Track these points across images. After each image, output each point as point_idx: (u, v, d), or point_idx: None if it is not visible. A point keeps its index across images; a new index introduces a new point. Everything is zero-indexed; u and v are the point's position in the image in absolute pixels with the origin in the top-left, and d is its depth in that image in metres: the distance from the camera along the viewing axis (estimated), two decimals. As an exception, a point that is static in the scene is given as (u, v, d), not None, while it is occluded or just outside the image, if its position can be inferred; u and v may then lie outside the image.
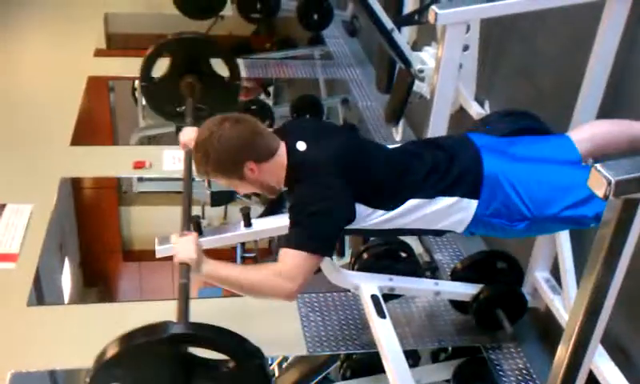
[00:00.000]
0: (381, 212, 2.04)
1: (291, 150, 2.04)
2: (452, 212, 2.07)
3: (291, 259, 1.93)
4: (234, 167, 1.99)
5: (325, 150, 2.03)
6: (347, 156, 2.04)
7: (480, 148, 2.12)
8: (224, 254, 3.86)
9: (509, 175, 2.03)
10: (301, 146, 2.04)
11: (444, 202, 2.05)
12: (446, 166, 2.07)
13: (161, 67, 3.05)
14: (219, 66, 2.96)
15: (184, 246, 1.89)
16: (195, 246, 1.88)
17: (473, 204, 2.05)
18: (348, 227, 2.05)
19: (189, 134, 2.29)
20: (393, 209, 2.04)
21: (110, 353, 1.63)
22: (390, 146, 2.31)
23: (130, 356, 1.65)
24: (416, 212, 2.06)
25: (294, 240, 1.95)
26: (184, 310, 1.75)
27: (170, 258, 2.68)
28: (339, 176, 1.98)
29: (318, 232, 1.95)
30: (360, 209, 2.01)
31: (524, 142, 2.20)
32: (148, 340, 1.63)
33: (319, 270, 2.66)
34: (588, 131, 2.21)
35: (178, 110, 2.70)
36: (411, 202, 2.04)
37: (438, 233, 2.23)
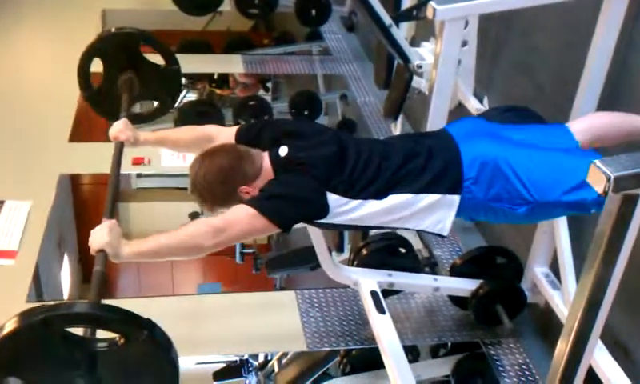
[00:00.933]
0: (360, 204, 2.01)
1: (275, 158, 2.06)
2: (435, 209, 2.05)
3: (235, 211, 1.93)
4: (229, 197, 2.03)
5: (305, 152, 2.04)
6: (327, 156, 2.03)
7: (469, 136, 2.12)
8: (221, 251, 3.85)
9: (509, 159, 2.02)
10: (283, 151, 2.07)
11: (427, 199, 2.03)
12: (424, 160, 2.05)
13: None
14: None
15: (97, 234, 1.81)
16: (108, 231, 1.81)
17: (455, 200, 2.04)
18: (333, 222, 2.04)
19: (117, 126, 2.31)
20: (374, 199, 2.02)
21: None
22: (368, 139, 2.30)
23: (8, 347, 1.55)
24: (399, 210, 2.04)
25: (247, 201, 1.95)
26: (96, 298, 1.67)
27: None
28: (314, 178, 1.99)
29: (275, 203, 1.94)
30: (337, 200, 1.99)
31: (523, 129, 2.20)
32: (21, 325, 1.51)
33: (318, 266, 2.68)
34: (586, 122, 2.21)
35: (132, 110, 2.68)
36: (393, 199, 2.03)
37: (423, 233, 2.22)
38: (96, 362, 1.61)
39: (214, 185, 2.02)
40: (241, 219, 1.91)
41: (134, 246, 1.85)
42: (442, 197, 2.03)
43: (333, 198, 1.98)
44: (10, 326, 1.51)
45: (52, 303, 1.60)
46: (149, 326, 1.57)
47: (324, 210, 1.99)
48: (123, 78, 2.52)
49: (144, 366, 1.64)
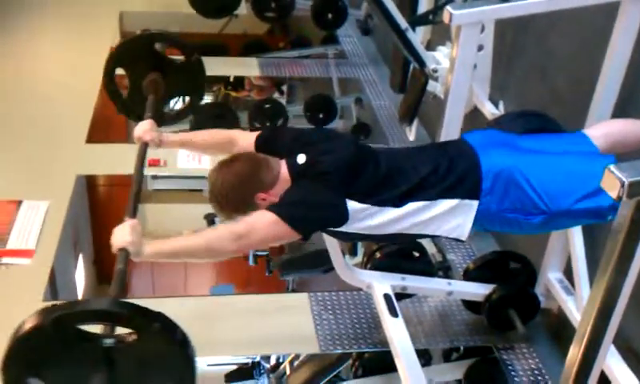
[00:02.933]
0: (379, 211, 2.02)
1: (293, 166, 2.07)
2: (454, 215, 2.05)
3: (256, 216, 1.93)
4: (247, 204, 2.03)
5: (324, 158, 2.05)
6: (347, 163, 2.04)
7: (484, 146, 2.12)
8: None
9: (522, 168, 2.02)
10: (301, 158, 2.07)
11: (445, 204, 2.03)
12: (445, 168, 2.06)
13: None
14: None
15: (119, 233, 1.82)
16: (130, 229, 1.81)
17: (474, 204, 2.04)
18: (350, 231, 2.04)
19: (142, 126, 2.31)
20: (392, 206, 2.02)
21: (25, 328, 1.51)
22: (387, 148, 2.31)
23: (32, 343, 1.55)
24: (417, 215, 2.04)
25: (269, 207, 1.96)
26: (117, 295, 1.68)
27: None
28: (334, 185, 1.99)
29: (296, 209, 1.95)
30: (357, 207, 2.00)
31: (536, 137, 2.19)
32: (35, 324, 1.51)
33: (331, 269, 2.68)
34: (602, 129, 2.20)
35: (165, 111, 2.71)
36: (412, 205, 2.03)
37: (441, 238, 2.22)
38: (112, 358, 1.61)
39: (232, 192, 2.02)
40: (262, 225, 1.91)
41: (154, 246, 1.86)
42: (460, 201, 2.03)
43: (351, 205, 1.99)
44: (24, 327, 1.51)
45: (63, 302, 1.60)
46: (159, 318, 1.57)
47: (343, 216, 1.99)
48: (147, 80, 2.55)
49: (160, 360, 1.64)
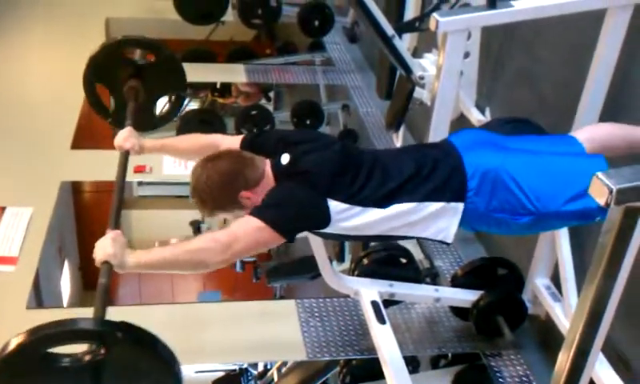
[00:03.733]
0: (362, 211, 2.01)
1: (277, 165, 2.07)
2: (439, 217, 2.05)
3: (239, 224, 1.92)
4: (230, 202, 2.03)
5: (307, 157, 2.05)
6: (329, 163, 2.03)
7: (470, 146, 2.12)
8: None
9: (509, 169, 2.02)
10: (285, 158, 2.07)
11: (430, 207, 2.03)
12: (429, 170, 2.06)
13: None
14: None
15: (101, 246, 1.79)
16: (111, 242, 1.78)
17: (459, 207, 2.04)
18: (336, 232, 2.04)
19: (122, 135, 2.31)
20: (376, 207, 2.01)
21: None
22: (373, 150, 2.31)
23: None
24: (402, 217, 2.04)
25: (251, 211, 1.94)
26: (100, 309, 1.65)
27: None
28: (315, 185, 1.98)
29: (278, 212, 1.94)
30: (340, 207, 1.99)
31: (523, 138, 2.20)
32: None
33: (319, 275, 2.67)
34: (588, 132, 2.20)
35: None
36: (397, 207, 2.02)
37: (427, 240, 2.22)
38: (93, 375, 1.59)
39: (216, 189, 2.01)
40: (246, 232, 1.89)
41: (138, 258, 1.83)
42: (445, 204, 2.03)
43: (334, 205, 1.98)
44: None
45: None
46: (121, 327, 1.55)
47: (326, 217, 1.98)
48: (126, 88, 2.54)
49: (136, 366, 1.62)
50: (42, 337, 1.52)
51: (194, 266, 1.90)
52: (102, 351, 1.56)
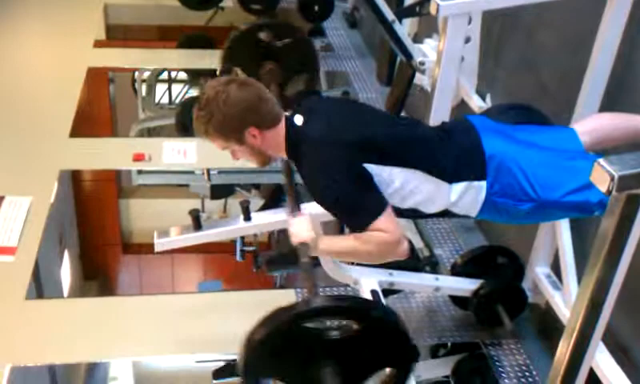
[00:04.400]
0: (392, 171, 2.02)
1: (289, 123, 2.05)
2: (464, 195, 2.08)
3: (380, 227, 1.95)
4: (236, 131, 1.99)
5: (322, 125, 2.03)
6: (349, 128, 2.03)
7: (482, 129, 2.13)
8: (222, 249, 3.86)
9: (515, 156, 2.03)
10: (298, 119, 2.05)
11: (457, 187, 2.05)
12: (450, 147, 2.09)
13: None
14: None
15: (301, 226, 1.97)
16: (312, 225, 1.95)
17: (482, 185, 2.05)
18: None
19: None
20: (404, 166, 2.02)
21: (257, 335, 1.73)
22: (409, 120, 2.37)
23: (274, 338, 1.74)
24: (428, 193, 2.07)
25: (365, 217, 1.97)
26: (313, 286, 1.90)
27: (169, 252, 2.68)
28: (339, 148, 1.97)
29: (367, 195, 1.97)
30: (377, 170, 2.00)
31: (528, 129, 2.20)
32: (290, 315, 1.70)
33: (318, 264, 2.66)
34: (591, 123, 2.21)
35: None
36: (423, 181, 2.05)
37: (452, 215, 2.25)
38: (337, 350, 1.77)
39: (230, 111, 1.95)
40: (387, 221, 1.96)
41: (327, 243, 2.01)
42: (469, 183, 2.06)
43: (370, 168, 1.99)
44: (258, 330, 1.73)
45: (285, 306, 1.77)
46: (378, 307, 1.84)
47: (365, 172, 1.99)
48: (264, 70, 2.56)
49: (380, 347, 1.80)
50: (318, 309, 1.74)
51: (375, 259, 2.14)
52: (356, 327, 1.74)
